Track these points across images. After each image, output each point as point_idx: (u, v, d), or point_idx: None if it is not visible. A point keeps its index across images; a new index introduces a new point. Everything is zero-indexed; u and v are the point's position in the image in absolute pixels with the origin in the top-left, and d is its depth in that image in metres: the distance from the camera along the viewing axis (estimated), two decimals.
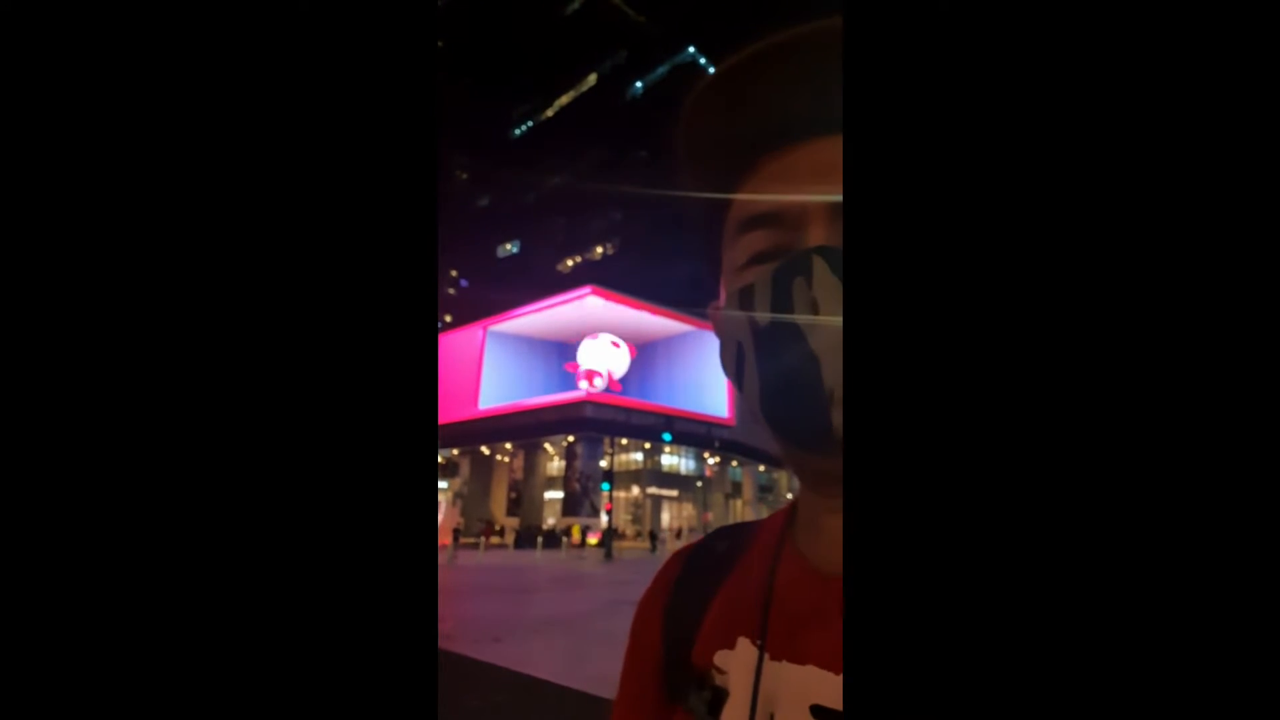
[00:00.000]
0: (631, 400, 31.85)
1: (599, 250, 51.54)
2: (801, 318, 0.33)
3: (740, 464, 38.03)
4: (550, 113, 59.34)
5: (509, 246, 59.69)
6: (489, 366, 34.76)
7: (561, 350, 33.74)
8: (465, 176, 68.66)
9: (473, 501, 33.28)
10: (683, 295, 38.15)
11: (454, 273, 66.62)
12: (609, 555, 20.94)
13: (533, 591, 10.95)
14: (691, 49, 48.69)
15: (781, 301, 0.36)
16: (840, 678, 0.31)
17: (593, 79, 55.72)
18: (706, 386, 34.06)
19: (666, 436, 28.54)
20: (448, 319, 51.14)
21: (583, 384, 30.47)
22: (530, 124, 61.42)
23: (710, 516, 32.04)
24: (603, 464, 26.34)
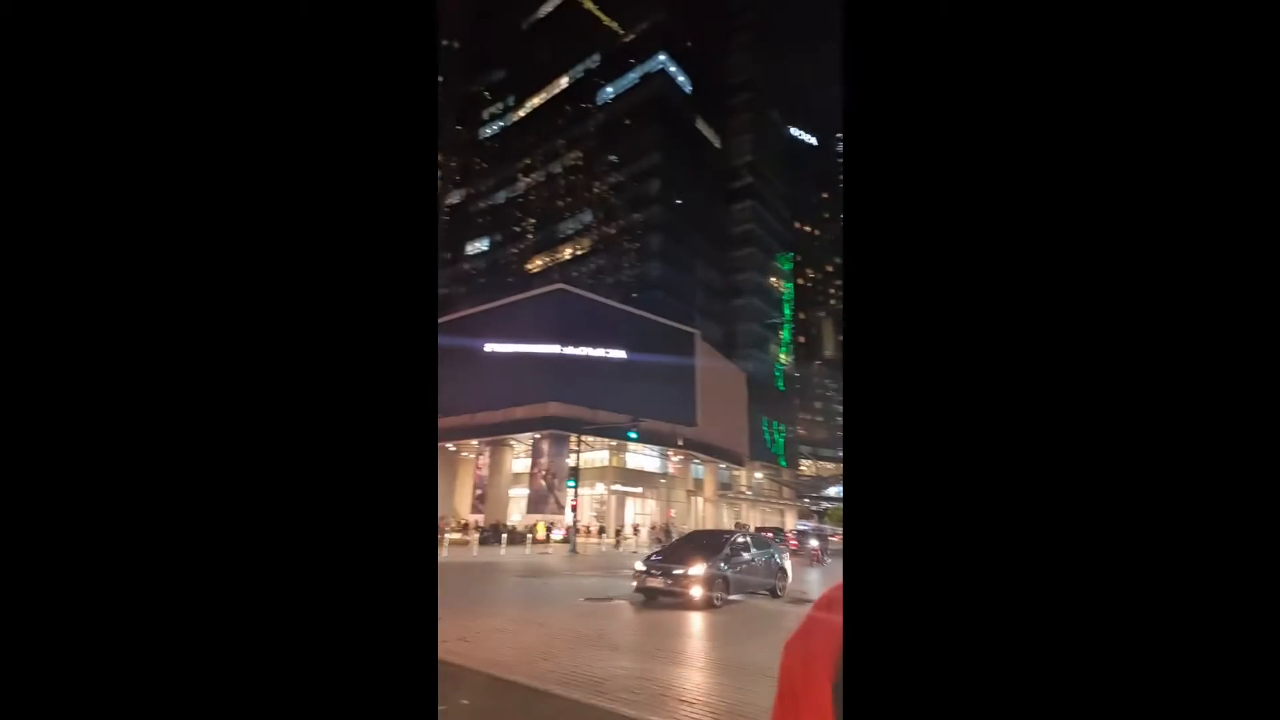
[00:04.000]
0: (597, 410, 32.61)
1: (568, 251, 52.10)
2: None
3: (702, 462, 39.15)
4: (521, 113, 59.58)
5: (479, 244, 59.70)
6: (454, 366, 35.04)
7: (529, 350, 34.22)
8: (436, 174, 68.01)
9: (438, 497, 33.50)
10: (650, 296, 39.09)
11: None
12: (574, 550, 21.81)
13: (501, 591, 11.35)
14: (662, 57, 49.70)
15: None
16: None
17: (564, 82, 56.22)
18: (672, 386, 35.06)
19: (631, 435, 29.31)
20: None
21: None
22: (501, 124, 61.52)
23: (673, 513, 33.04)
24: (569, 461, 27.03)
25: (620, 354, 33.48)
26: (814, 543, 20.55)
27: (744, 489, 45.65)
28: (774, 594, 9.80)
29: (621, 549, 25.31)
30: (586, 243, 50.58)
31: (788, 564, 10.45)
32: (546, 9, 59.18)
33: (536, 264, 53.26)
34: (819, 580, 13.57)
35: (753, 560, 9.67)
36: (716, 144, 55.93)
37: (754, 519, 44.28)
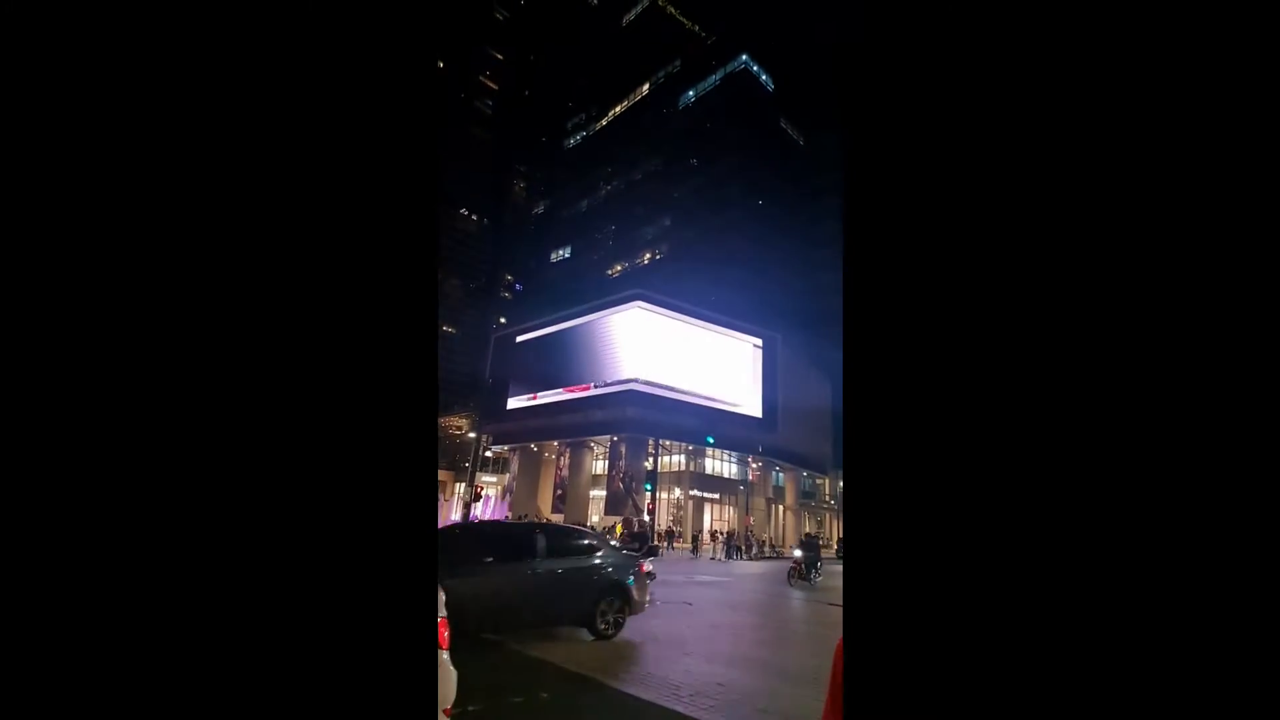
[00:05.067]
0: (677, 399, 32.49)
1: (647, 256, 52.49)
2: None
3: (783, 469, 38.03)
4: (604, 122, 60.81)
5: (562, 252, 61.48)
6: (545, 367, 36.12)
7: (605, 354, 34.76)
8: (522, 185, 71.14)
9: (520, 496, 34.68)
10: (729, 299, 38.56)
11: (509, 277, 69.05)
12: (652, 552, 21.89)
13: None
14: (744, 57, 49.05)
15: None
16: None
17: (645, 88, 56.83)
18: (753, 391, 34.34)
19: (710, 439, 28.90)
20: (502, 320, 53.13)
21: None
22: (584, 134, 63.11)
23: (751, 520, 32.30)
24: (646, 464, 27.09)
25: (698, 357, 33.22)
26: (798, 552, 15.05)
27: (827, 498, 43.88)
28: (596, 632, 5.90)
29: (699, 556, 25.01)
30: (665, 247, 50.73)
31: (635, 582, 6.31)
32: (629, 17, 60.15)
33: (617, 269, 54.05)
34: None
35: (535, 573, 5.65)
36: (801, 142, 54.42)
37: (839, 529, 42.42)
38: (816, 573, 14.10)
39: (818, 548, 15.03)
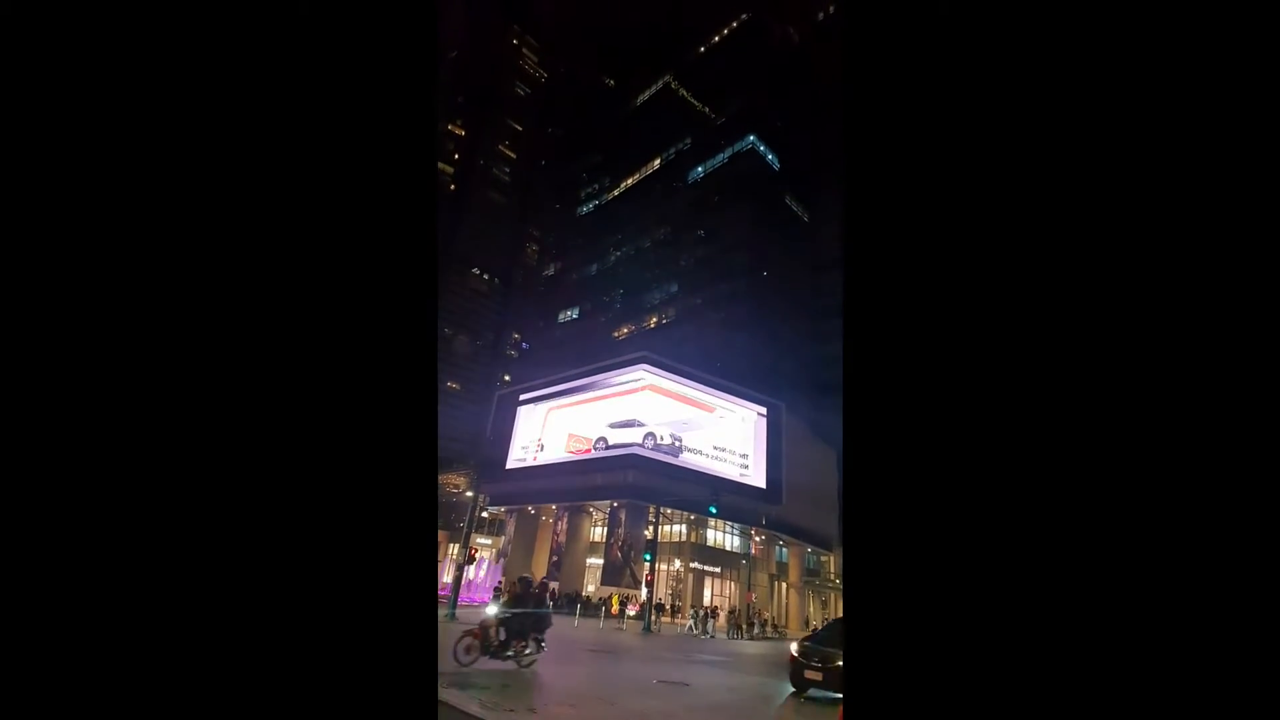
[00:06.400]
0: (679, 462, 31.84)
1: (654, 320, 53.10)
2: None
3: (787, 544, 36.73)
4: (616, 192, 63.14)
5: (570, 313, 62.32)
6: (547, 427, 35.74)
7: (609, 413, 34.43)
8: (534, 248, 73.14)
9: (515, 560, 33.44)
10: (734, 366, 38.55)
11: (516, 336, 69.78)
12: (648, 629, 20.67)
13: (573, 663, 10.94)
14: (752, 138, 51.42)
15: None
16: None
17: (656, 163, 59.34)
18: (757, 461, 33.69)
19: (712, 510, 28.00)
20: (506, 379, 53.14)
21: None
22: (597, 202, 65.40)
23: (753, 596, 30.88)
24: (646, 533, 26.19)
25: (701, 425, 32.81)
26: (491, 609, 7.90)
27: (833, 577, 42.10)
28: None
29: (693, 631, 23.73)
30: (672, 311, 51.39)
31: None
32: (643, 97, 63.67)
33: (624, 331, 54.52)
34: None
35: None
36: (805, 218, 56.11)
37: (841, 610, 40.39)
38: (538, 646, 7.66)
39: (542, 598, 8.20)
